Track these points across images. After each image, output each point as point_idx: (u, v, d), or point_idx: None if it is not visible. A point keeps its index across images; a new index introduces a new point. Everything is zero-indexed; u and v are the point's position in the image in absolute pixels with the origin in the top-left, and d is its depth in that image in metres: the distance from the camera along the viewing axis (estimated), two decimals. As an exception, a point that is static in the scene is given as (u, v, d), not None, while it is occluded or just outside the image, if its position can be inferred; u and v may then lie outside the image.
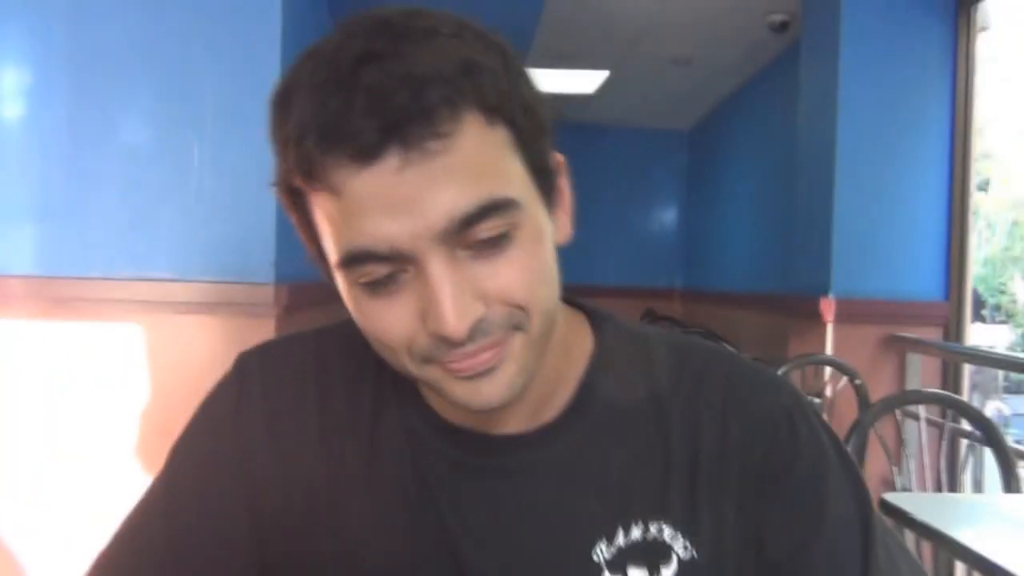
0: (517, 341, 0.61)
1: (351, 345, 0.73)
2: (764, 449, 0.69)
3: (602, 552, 0.67)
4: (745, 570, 0.68)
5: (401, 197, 0.55)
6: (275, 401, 0.74)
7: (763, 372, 0.75)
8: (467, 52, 0.57)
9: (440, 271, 0.57)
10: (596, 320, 0.75)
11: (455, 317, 0.56)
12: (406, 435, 0.71)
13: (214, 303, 2.41)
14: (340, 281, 0.62)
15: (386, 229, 0.56)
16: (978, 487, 2.60)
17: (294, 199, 0.62)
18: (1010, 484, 1.97)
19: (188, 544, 0.72)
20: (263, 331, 2.41)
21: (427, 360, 0.60)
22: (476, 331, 0.58)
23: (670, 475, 0.69)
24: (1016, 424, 13.69)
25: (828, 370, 3.26)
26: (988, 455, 2.20)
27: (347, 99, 0.54)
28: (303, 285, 2.84)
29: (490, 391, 0.61)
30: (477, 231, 0.56)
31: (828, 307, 3.28)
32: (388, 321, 0.59)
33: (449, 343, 0.58)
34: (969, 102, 3.33)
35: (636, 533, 0.68)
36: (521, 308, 0.60)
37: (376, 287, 0.59)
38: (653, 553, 0.67)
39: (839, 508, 0.69)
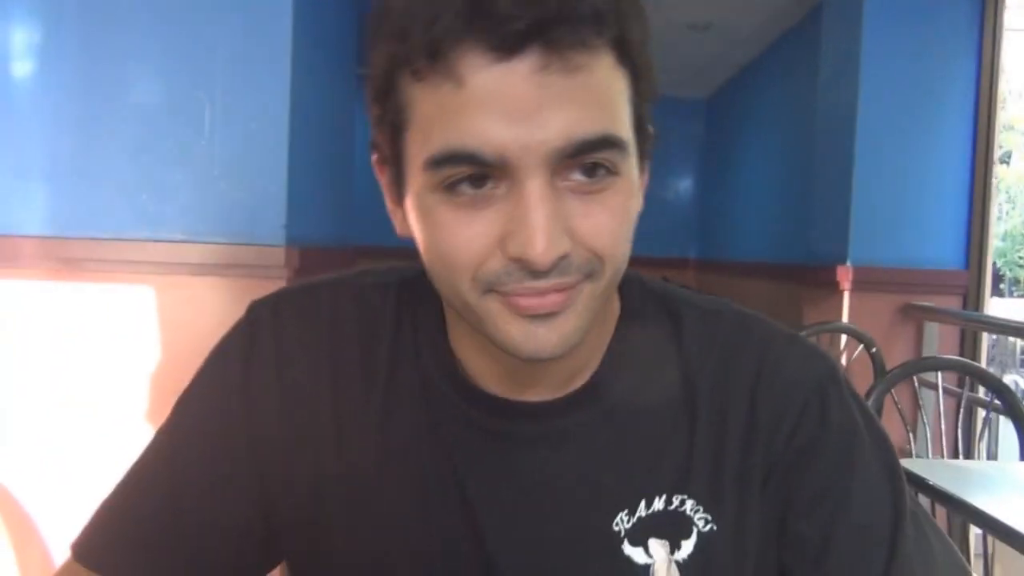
0: (586, 290, 0.58)
1: (369, 296, 0.72)
2: (793, 425, 0.68)
3: (623, 523, 0.66)
4: (768, 545, 0.67)
5: (526, 102, 0.52)
6: (287, 352, 0.70)
7: (796, 342, 0.72)
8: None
9: (540, 193, 0.54)
10: (623, 284, 0.71)
11: (545, 243, 0.53)
12: (424, 391, 0.69)
13: (225, 264, 2.40)
14: (416, 187, 0.58)
15: (499, 133, 0.53)
16: (992, 457, 2.58)
17: (388, 89, 0.58)
18: (1027, 452, 1.95)
19: (192, 495, 0.70)
20: (274, 293, 2.40)
21: (490, 289, 0.57)
22: (557, 266, 0.55)
23: (695, 449, 0.67)
24: (1033, 399, 13.62)
25: (844, 338, 3.23)
26: (1004, 425, 2.17)
27: None
28: (314, 249, 2.83)
29: (547, 338, 0.58)
30: (585, 160, 0.55)
31: (845, 275, 3.25)
32: (465, 236, 0.56)
33: (530, 270, 0.55)
34: (995, 71, 3.26)
35: (658, 505, 0.66)
36: (599, 257, 0.57)
37: (460, 196, 0.55)
38: (673, 526, 0.66)
39: (868, 486, 0.67)
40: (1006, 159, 14.93)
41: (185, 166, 2.42)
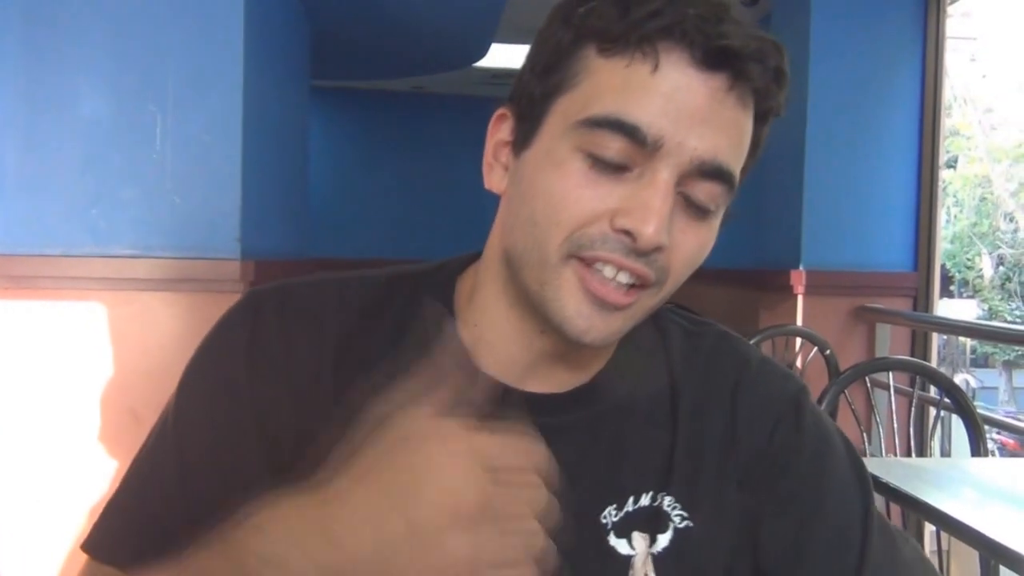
0: (645, 298, 0.64)
1: (371, 289, 0.73)
2: (769, 432, 0.72)
3: (611, 516, 0.69)
4: (743, 545, 0.70)
5: (701, 111, 0.59)
6: (292, 339, 0.70)
7: (772, 362, 0.78)
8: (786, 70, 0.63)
9: (668, 187, 0.60)
10: None
11: (657, 225, 0.59)
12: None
13: (178, 280, 2.37)
14: (552, 141, 0.63)
15: (668, 122, 0.59)
16: (945, 455, 2.63)
17: (567, 54, 0.63)
18: (979, 449, 1.99)
19: (202, 476, 0.69)
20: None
21: (575, 255, 0.61)
22: (653, 254, 0.61)
23: (676, 451, 0.71)
24: (982, 396, 13.95)
25: (799, 341, 3.28)
26: (956, 423, 2.22)
27: (713, 11, 0.59)
28: (270, 261, 2.80)
29: (598, 326, 0.63)
30: (704, 186, 0.61)
31: (798, 279, 3.30)
32: (584, 194, 0.61)
33: (632, 246, 0.60)
34: (939, 78, 3.35)
35: (644, 501, 0.70)
36: (669, 269, 0.63)
37: (599, 160, 0.60)
38: (653, 520, 0.69)
39: (840, 490, 0.71)
40: (953, 164, 15.29)
41: (136, 180, 2.38)
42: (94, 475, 2.31)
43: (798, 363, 3.27)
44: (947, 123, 3.48)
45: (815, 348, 3.10)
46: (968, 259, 15.51)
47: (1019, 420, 6.91)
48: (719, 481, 0.71)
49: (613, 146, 0.59)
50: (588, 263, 0.61)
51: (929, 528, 2.64)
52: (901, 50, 3.39)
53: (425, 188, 6.48)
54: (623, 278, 0.61)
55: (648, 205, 0.59)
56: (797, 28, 3.47)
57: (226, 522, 0.68)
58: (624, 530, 0.69)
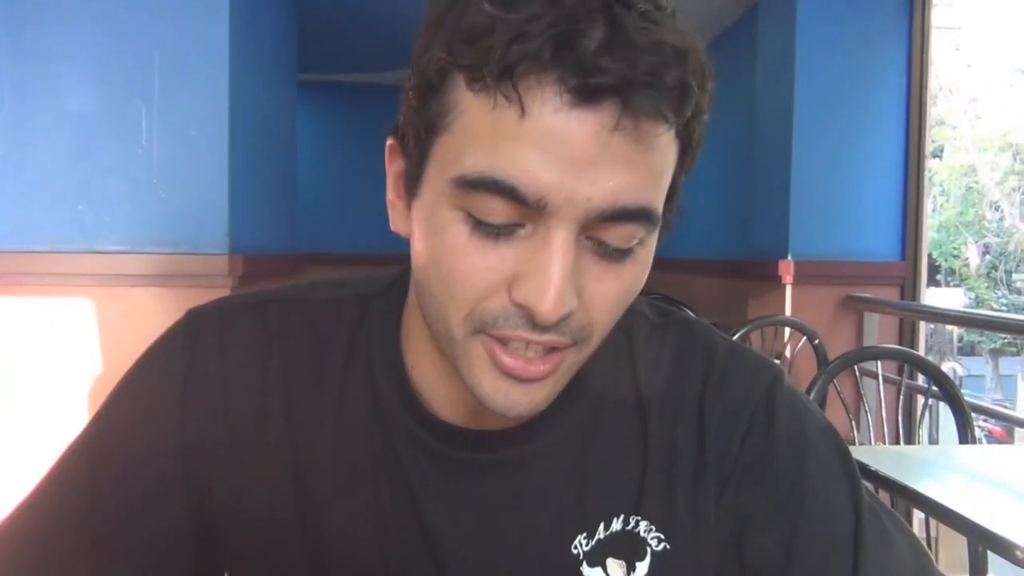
0: (569, 359, 0.57)
1: (320, 313, 0.69)
2: (741, 440, 0.67)
3: (582, 546, 0.66)
4: (727, 561, 0.67)
5: (586, 155, 0.49)
6: (233, 368, 0.66)
7: (744, 354, 0.72)
8: (706, 62, 0.52)
9: (565, 246, 0.51)
10: None
11: (555, 298, 0.51)
12: (378, 416, 0.66)
13: (167, 275, 2.36)
14: (433, 195, 0.54)
15: (548, 177, 0.49)
16: (933, 442, 2.65)
17: (437, 85, 0.53)
18: (967, 436, 2.00)
19: (114, 511, 0.64)
20: (219, 302, 2.36)
21: (481, 330, 0.55)
22: (558, 325, 0.53)
23: (647, 470, 0.67)
24: (969, 384, 14.05)
25: (787, 331, 3.29)
26: (943, 411, 2.24)
27: (595, 28, 0.47)
28: (259, 256, 2.79)
29: (519, 401, 0.56)
30: (616, 230, 0.52)
31: (787, 269, 3.32)
32: (475, 266, 0.53)
33: (532, 321, 0.52)
34: (924, 68, 3.36)
35: (616, 526, 0.66)
36: (593, 325, 0.56)
37: (482, 225, 0.52)
38: (628, 546, 0.66)
39: (823, 491, 0.66)
40: (939, 153, 15.36)
41: (123, 175, 2.36)
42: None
43: (787, 353, 3.29)
44: (933, 113, 3.50)
45: (804, 338, 3.12)
46: (954, 248, 15.60)
47: (1006, 408, 6.97)
48: (695, 496, 0.67)
49: (495, 208, 0.51)
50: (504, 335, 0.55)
51: (918, 515, 2.66)
52: (887, 40, 3.40)
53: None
54: (535, 350, 0.55)
55: (545, 274, 0.51)
56: (784, 18, 3.48)
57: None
58: (597, 559, 0.65)
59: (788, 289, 3.35)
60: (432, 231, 0.54)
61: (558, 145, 0.49)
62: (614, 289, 0.55)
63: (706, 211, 5.09)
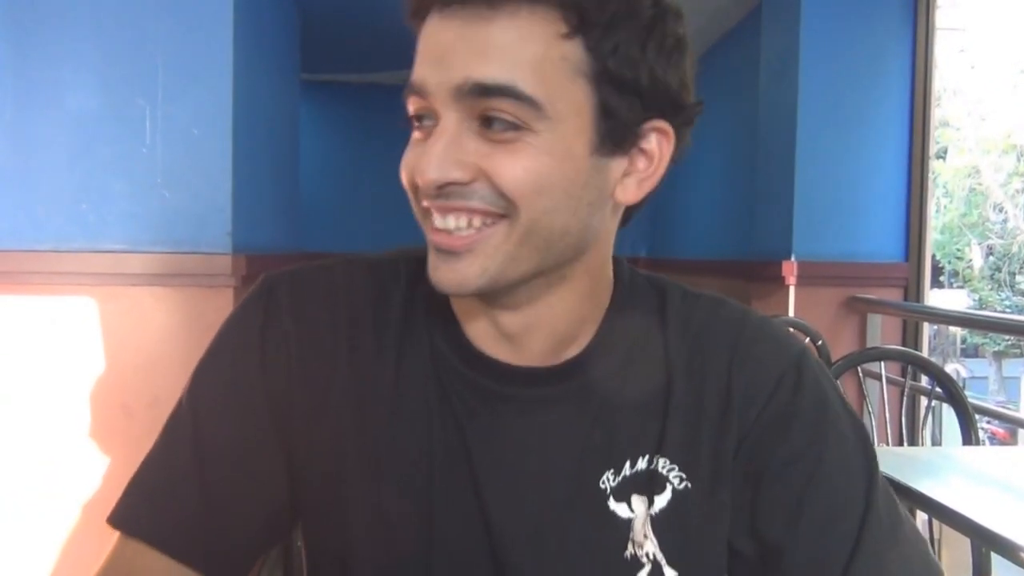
0: (499, 232, 0.63)
1: (380, 272, 0.77)
2: (767, 396, 0.72)
3: (609, 481, 0.71)
4: (742, 509, 0.71)
5: (442, 46, 0.61)
6: (305, 327, 0.73)
7: (770, 324, 0.77)
8: None
9: (445, 125, 0.62)
10: (616, 264, 0.77)
11: (430, 166, 0.61)
12: (433, 361, 0.73)
13: (170, 274, 2.36)
14: None
15: (425, 71, 0.62)
16: (937, 443, 2.64)
17: (409, 17, 0.66)
18: (970, 438, 2.00)
19: (217, 460, 0.72)
20: (221, 302, 2.36)
21: (419, 203, 0.65)
22: (450, 192, 0.62)
23: (673, 415, 0.72)
24: (972, 386, 14.03)
25: (791, 332, 3.28)
26: (947, 412, 2.23)
27: None
28: (262, 255, 2.79)
29: (448, 276, 0.64)
30: (488, 106, 0.60)
31: (790, 269, 3.31)
32: (408, 156, 0.65)
33: (417, 189, 0.63)
34: (929, 69, 3.35)
35: (641, 465, 0.71)
36: (508, 199, 0.61)
37: (416, 127, 0.65)
38: (651, 482, 0.71)
39: (841, 453, 0.71)
40: (942, 155, 15.33)
41: (126, 174, 2.37)
42: (86, 470, 2.31)
43: (790, 354, 3.28)
44: (937, 114, 3.49)
45: (807, 338, 3.11)
46: (958, 249, 15.58)
47: (1010, 409, 6.96)
48: (718, 445, 0.71)
49: (413, 105, 0.64)
50: (429, 216, 0.65)
51: (921, 516, 2.65)
52: (891, 41, 3.39)
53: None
54: (451, 222, 0.63)
55: (424, 152, 0.62)
56: (788, 19, 3.47)
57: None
58: (623, 494, 0.71)
59: (791, 290, 3.34)
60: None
61: (431, 44, 0.62)
62: (508, 163, 0.61)
63: (709, 211, 5.09)
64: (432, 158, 0.61)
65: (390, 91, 6.09)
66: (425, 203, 0.64)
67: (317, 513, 0.75)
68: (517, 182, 0.61)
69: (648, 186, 0.68)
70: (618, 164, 0.66)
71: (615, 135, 0.64)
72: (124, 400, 2.31)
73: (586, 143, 0.63)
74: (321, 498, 0.74)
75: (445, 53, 0.61)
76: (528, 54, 0.60)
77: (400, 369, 0.73)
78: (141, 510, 0.73)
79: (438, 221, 0.63)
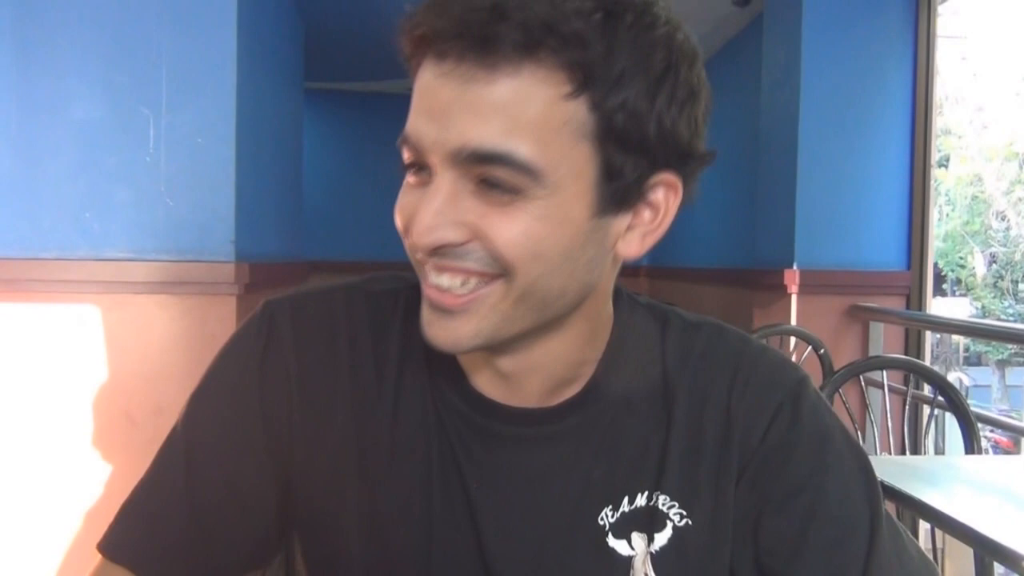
0: (495, 293, 0.61)
1: (380, 301, 0.76)
2: (766, 426, 0.71)
3: (608, 517, 0.71)
4: (744, 542, 0.70)
5: (440, 103, 0.58)
6: (306, 356, 0.73)
7: (770, 353, 0.76)
8: (610, 34, 0.57)
9: (439, 184, 0.59)
10: (615, 297, 0.75)
11: (425, 226, 0.59)
12: (431, 392, 0.73)
13: (173, 282, 2.36)
14: None
15: (421, 127, 0.59)
16: (939, 452, 2.64)
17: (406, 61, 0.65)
18: (973, 447, 1.99)
19: (211, 486, 0.72)
20: (224, 310, 2.37)
21: (415, 262, 0.64)
22: (447, 253, 0.60)
23: (672, 450, 0.71)
24: (975, 395, 14.00)
25: (793, 341, 3.29)
26: (949, 421, 2.23)
27: None
28: (265, 264, 2.80)
29: (440, 334, 0.63)
30: (485, 171, 0.58)
31: (792, 278, 3.31)
32: (401, 204, 0.63)
33: (413, 248, 0.61)
34: (930, 78, 3.36)
35: (640, 502, 0.71)
36: (504, 262, 0.60)
37: (411, 174, 0.63)
38: (651, 520, 0.71)
39: (842, 482, 0.70)
40: (944, 163, 15.33)
41: (130, 183, 2.37)
42: (90, 479, 2.31)
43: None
44: (939, 122, 3.49)
45: (809, 347, 3.11)
46: (960, 258, 15.56)
47: (1013, 418, 6.94)
48: (718, 478, 0.71)
49: (409, 155, 0.62)
50: (423, 267, 0.63)
51: (924, 526, 2.65)
52: (892, 49, 3.40)
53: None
54: (444, 281, 0.61)
55: (417, 211, 0.60)
56: (789, 28, 3.48)
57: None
58: (622, 531, 0.70)
59: (793, 298, 3.34)
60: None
61: (426, 99, 0.60)
62: (508, 227, 0.59)
63: (711, 220, 5.10)
64: (426, 218, 0.59)
65: (393, 99, 6.11)
66: (419, 256, 0.62)
67: (315, 545, 0.75)
68: (513, 246, 0.59)
69: (652, 240, 0.66)
70: (621, 220, 0.63)
71: (618, 195, 0.61)
72: (128, 408, 2.31)
73: (586, 206, 0.60)
74: (318, 529, 0.74)
75: (441, 112, 0.58)
76: (528, 117, 0.57)
77: (398, 403, 0.73)
78: (128, 536, 0.73)
79: (432, 277, 0.62)
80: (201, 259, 2.38)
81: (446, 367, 0.73)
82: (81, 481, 2.31)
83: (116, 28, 2.36)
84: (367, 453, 0.72)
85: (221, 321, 2.35)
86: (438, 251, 0.60)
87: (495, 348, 0.67)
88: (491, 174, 0.58)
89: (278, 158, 3.36)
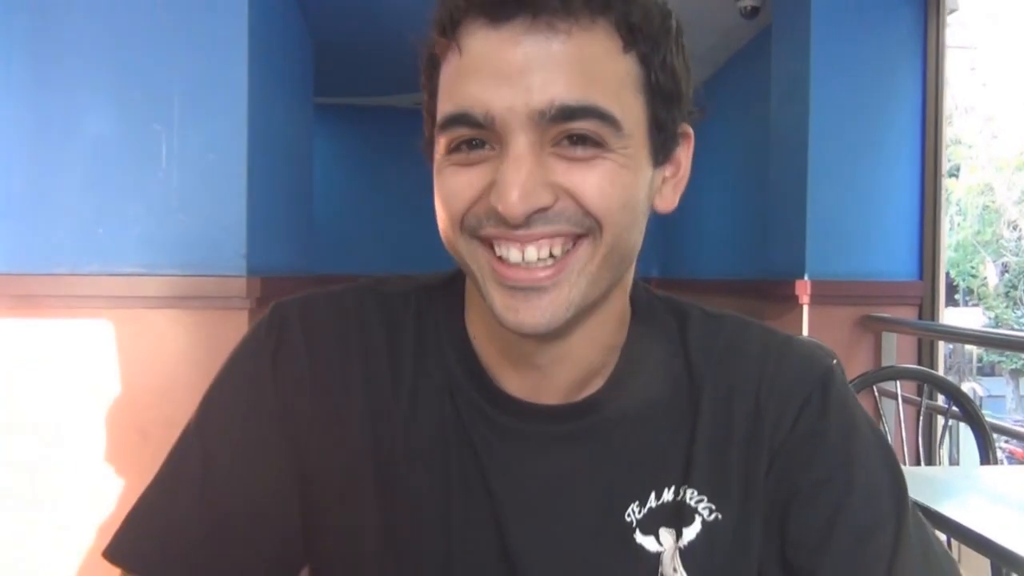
0: (583, 251, 0.61)
1: (391, 302, 0.75)
2: (795, 417, 0.71)
3: (635, 514, 0.70)
4: (772, 534, 0.70)
5: (511, 65, 0.57)
6: (317, 347, 0.72)
7: (796, 343, 0.76)
8: None
9: (521, 150, 0.58)
10: (633, 289, 0.75)
11: (518, 195, 0.58)
12: (449, 391, 0.71)
13: (185, 297, 2.37)
14: (437, 151, 0.63)
15: (488, 94, 0.58)
16: (954, 463, 2.62)
17: (431, 70, 0.64)
18: (987, 457, 1.98)
19: (227, 489, 0.70)
20: (236, 324, 2.38)
21: (474, 236, 0.62)
22: (537, 219, 0.59)
23: (700, 443, 0.70)
24: (989, 405, 13.90)
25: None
26: (964, 431, 2.21)
27: None
28: (276, 278, 2.81)
29: (539, 312, 0.61)
30: (570, 128, 0.58)
31: (803, 289, 3.30)
32: (457, 185, 0.61)
33: (504, 222, 0.59)
34: (940, 88, 3.35)
35: (667, 497, 0.70)
36: (593, 215, 0.60)
37: (460, 155, 0.61)
38: (678, 515, 0.70)
39: (870, 475, 0.70)
40: (955, 172, 15.29)
41: (142, 198, 2.39)
42: (103, 493, 2.31)
43: (804, 373, 3.26)
44: (949, 132, 3.48)
45: (821, 358, 3.09)
46: (972, 267, 15.48)
47: (1027, 428, 6.88)
48: (746, 471, 0.70)
49: (461, 136, 0.60)
50: (493, 248, 0.62)
51: (939, 537, 2.63)
52: (902, 59, 3.40)
53: (428, 204, 6.40)
54: (531, 254, 0.60)
55: (503, 175, 0.58)
56: (798, 39, 3.48)
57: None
58: (650, 527, 0.69)
59: (805, 309, 3.33)
60: (436, 176, 0.64)
61: (488, 66, 0.58)
62: (593, 179, 0.60)
63: (722, 231, 5.09)
64: (518, 184, 0.58)
65: (403, 114, 6.14)
66: (494, 233, 0.61)
67: (330, 544, 0.73)
68: (603, 197, 0.60)
69: (680, 190, 0.69)
70: (659, 174, 0.67)
71: (664, 146, 0.65)
72: (140, 423, 2.32)
73: (647, 156, 0.64)
74: (334, 529, 0.72)
75: (519, 72, 0.57)
76: (603, 70, 0.59)
77: (415, 404, 0.71)
78: (145, 544, 0.70)
79: (514, 255, 0.61)
80: (213, 274, 2.39)
81: (466, 367, 0.72)
82: (94, 495, 2.31)
83: (129, 46, 2.38)
84: (383, 455, 0.71)
85: (233, 335, 2.33)
86: (531, 218, 0.59)
87: (553, 333, 0.65)
88: (578, 128, 0.59)
89: (289, 173, 3.37)
